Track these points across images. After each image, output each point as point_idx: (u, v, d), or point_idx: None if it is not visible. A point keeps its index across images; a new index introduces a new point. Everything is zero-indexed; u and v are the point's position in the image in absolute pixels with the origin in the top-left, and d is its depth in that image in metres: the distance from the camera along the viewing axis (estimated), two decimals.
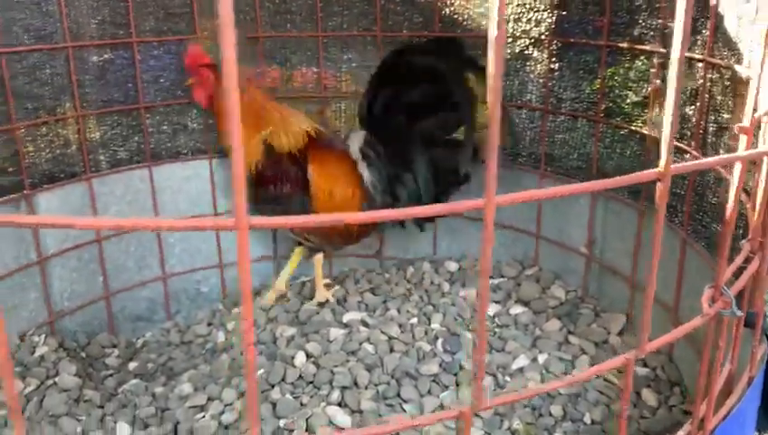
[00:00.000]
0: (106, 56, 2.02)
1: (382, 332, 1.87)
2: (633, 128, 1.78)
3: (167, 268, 2.28)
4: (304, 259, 2.22)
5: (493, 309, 2.00)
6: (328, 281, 2.29)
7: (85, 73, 2.00)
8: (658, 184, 0.65)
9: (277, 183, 2.00)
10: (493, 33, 0.51)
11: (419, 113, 2.00)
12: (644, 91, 1.73)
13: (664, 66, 1.65)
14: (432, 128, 2.01)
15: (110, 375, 1.97)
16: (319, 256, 2.18)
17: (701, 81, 1.51)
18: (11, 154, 1.88)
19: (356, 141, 2.05)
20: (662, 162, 0.64)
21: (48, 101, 1.94)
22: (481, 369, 0.61)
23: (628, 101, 1.78)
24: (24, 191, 1.92)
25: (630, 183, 0.65)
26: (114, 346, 2.14)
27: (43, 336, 1.96)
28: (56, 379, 1.83)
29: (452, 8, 2.13)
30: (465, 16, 2.12)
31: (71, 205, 2.04)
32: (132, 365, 2.04)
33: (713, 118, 1.48)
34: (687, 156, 1.57)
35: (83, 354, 2.05)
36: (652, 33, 1.66)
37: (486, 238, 0.56)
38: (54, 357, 1.91)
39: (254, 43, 2.21)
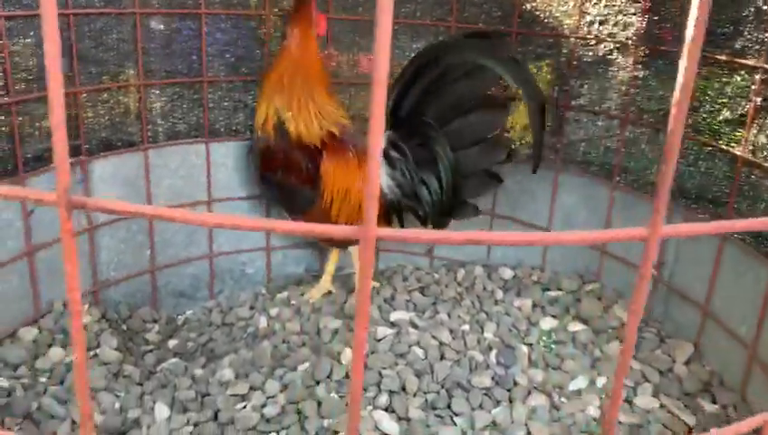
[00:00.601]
0: (173, 25, 1.97)
1: (433, 336, 1.80)
2: (723, 146, 1.67)
3: (214, 247, 2.23)
4: (343, 253, 2.16)
5: (549, 323, 1.90)
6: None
7: (151, 42, 1.95)
8: None
9: (285, 170, 1.92)
10: (689, 33, 0.42)
11: (452, 113, 1.88)
12: (740, 108, 1.60)
13: (767, 83, 1.53)
14: (465, 128, 1.88)
15: (150, 351, 1.93)
16: (353, 248, 2.11)
17: None
18: (70, 119, 1.85)
19: None
20: None
21: (112, 66, 1.90)
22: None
23: (721, 117, 1.66)
24: (81, 157, 1.88)
25: None
26: (155, 321, 2.10)
27: (87, 305, 1.93)
28: (97, 350, 1.80)
29: (534, 4, 2.02)
30: (547, 14, 2.02)
31: (125, 174, 2.00)
32: (172, 343, 2.00)
33: None
34: None
35: (124, 327, 2.02)
36: (757, 46, 1.54)
37: (643, 275, 0.48)
38: (97, 328, 1.87)
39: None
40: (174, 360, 1.88)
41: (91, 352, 1.79)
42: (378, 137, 0.40)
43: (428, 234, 0.44)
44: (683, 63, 0.43)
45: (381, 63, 0.39)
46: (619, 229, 0.47)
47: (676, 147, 0.44)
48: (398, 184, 1.93)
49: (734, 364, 1.62)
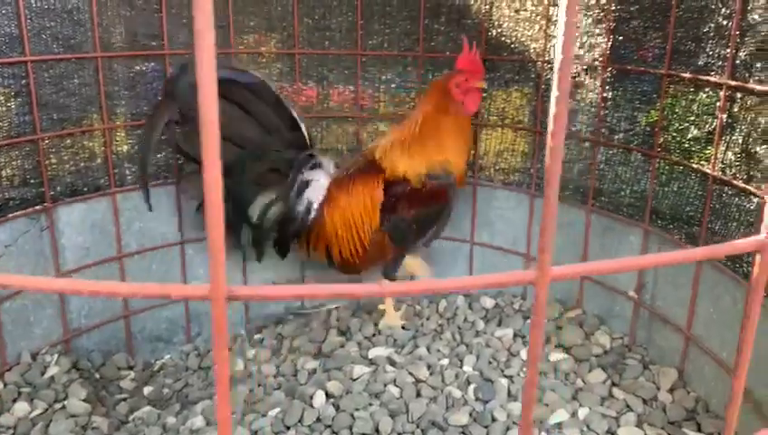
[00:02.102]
0: (137, 68, 1.95)
1: (410, 373, 1.74)
2: (694, 165, 1.63)
3: None
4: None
5: None
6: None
7: (114, 85, 1.93)
8: (758, 257, 0.51)
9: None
10: (558, 42, 0.39)
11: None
12: (708, 125, 1.57)
13: (732, 100, 1.49)
14: None
15: (124, 400, 1.88)
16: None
17: None
18: (33, 166, 1.82)
19: None
20: (764, 228, 0.51)
21: (74, 112, 1.87)
22: None
23: (689, 135, 1.63)
24: (45, 204, 1.85)
25: (729, 253, 0.51)
26: (131, 368, 2.05)
27: (56, 356, 1.88)
28: (65, 402, 1.74)
29: (500, 30, 2.01)
30: (514, 39, 2.00)
31: (93, 219, 1.97)
32: (147, 390, 1.95)
33: None
34: (757, 200, 1.41)
35: (97, 375, 1.97)
36: (720, 63, 1.51)
37: (536, 323, 0.43)
38: (65, 379, 1.82)
39: (290, 60, 2.12)
40: (147, 408, 1.83)
41: (58, 405, 1.73)
42: (215, 195, 0.36)
43: (287, 289, 0.40)
44: (555, 75, 0.39)
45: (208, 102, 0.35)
46: (507, 273, 0.43)
47: (554, 206, 0.40)
48: None
49: (719, 390, 1.56)
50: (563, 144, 0.40)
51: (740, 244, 0.51)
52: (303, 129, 1.92)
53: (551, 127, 0.40)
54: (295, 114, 1.90)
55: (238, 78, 1.81)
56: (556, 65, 0.39)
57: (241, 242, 2.03)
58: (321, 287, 0.41)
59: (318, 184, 1.96)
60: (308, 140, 1.94)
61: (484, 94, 2.08)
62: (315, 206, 1.96)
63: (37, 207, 1.84)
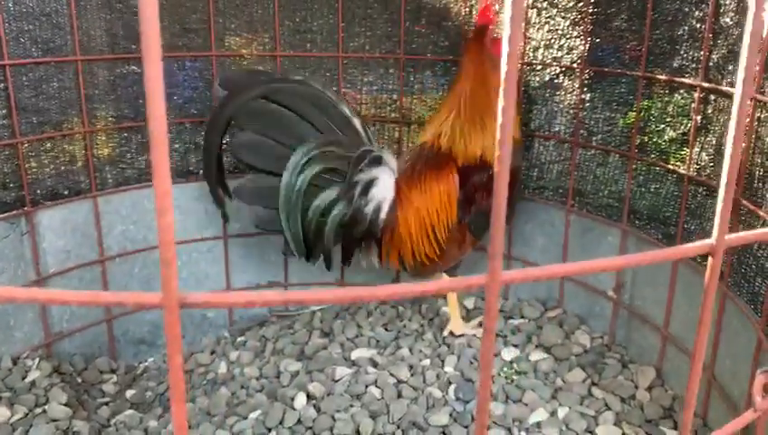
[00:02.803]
0: (117, 71, 1.95)
1: (391, 374, 1.75)
2: (670, 166, 1.65)
3: None
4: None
5: (511, 353, 1.86)
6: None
7: (94, 88, 1.92)
8: (710, 259, 0.53)
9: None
10: (506, 43, 0.40)
11: None
12: (683, 127, 1.59)
13: (706, 101, 1.51)
14: None
15: (106, 404, 1.88)
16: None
17: (747, 120, 1.37)
18: (13, 170, 1.81)
19: None
20: (714, 231, 0.52)
21: (54, 115, 1.87)
22: None
23: (665, 137, 1.65)
24: (25, 208, 1.84)
25: (677, 257, 0.52)
26: (113, 371, 2.04)
27: (37, 360, 1.87)
28: (46, 407, 1.74)
29: None
30: None
31: (74, 222, 1.96)
32: (130, 393, 1.95)
33: (759, 161, 1.34)
34: None
35: (79, 380, 1.96)
36: (694, 65, 1.53)
37: (488, 327, 0.44)
38: (46, 383, 1.81)
39: (272, 62, 2.12)
40: (129, 412, 1.83)
41: (39, 410, 1.73)
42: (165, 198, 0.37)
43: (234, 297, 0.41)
44: (502, 84, 0.40)
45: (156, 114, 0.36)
46: (460, 278, 0.44)
47: (502, 212, 0.41)
48: None
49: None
50: (510, 152, 0.41)
51: (691, 247, 0.52)
52: (358, 125, 1.84)
53: (498, 136, 0.40)
54: (347, 111, 1.83)
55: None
56: (502, 75, 0.40)
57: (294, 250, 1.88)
58: (273, 294, 0.41)
59: (384, 182, 1.80)
60: (364, 136, 1.84)
61: None
62: (386, 206, 1.80)
63: (17, 212, 1.83)
